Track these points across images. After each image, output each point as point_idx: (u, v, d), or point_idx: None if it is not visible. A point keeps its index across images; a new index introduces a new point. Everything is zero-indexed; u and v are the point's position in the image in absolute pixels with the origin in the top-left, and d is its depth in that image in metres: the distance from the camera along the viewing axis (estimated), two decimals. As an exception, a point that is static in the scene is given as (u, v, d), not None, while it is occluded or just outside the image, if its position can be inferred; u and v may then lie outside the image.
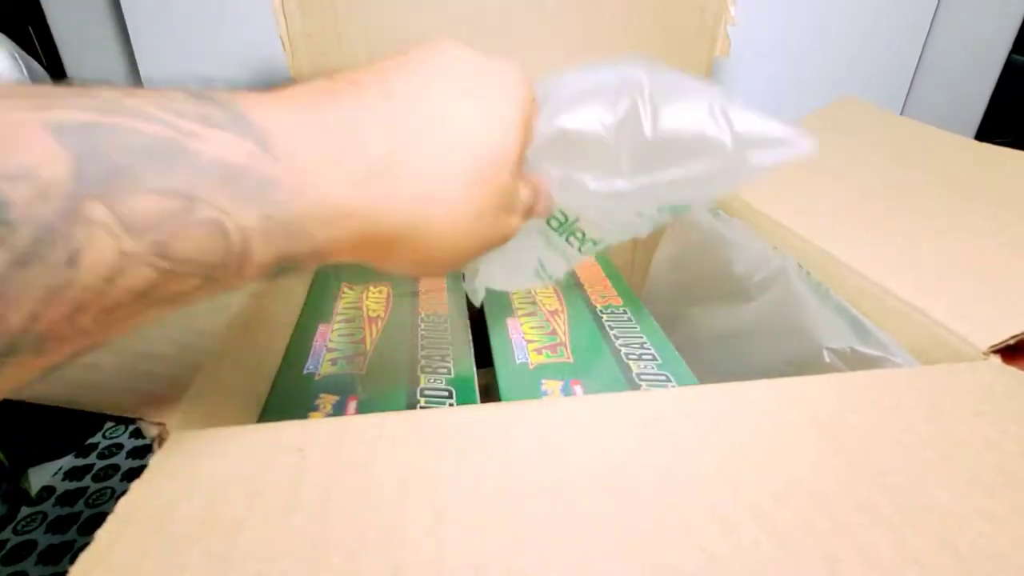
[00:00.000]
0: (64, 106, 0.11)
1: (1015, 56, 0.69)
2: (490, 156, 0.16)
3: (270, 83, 0.15)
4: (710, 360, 0.35)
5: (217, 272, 0.13)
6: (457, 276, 0.35)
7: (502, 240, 0.18)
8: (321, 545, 0.13)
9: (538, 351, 0.28)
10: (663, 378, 0.26)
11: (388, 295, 0.33)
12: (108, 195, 0.11)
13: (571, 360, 0.27)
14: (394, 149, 0.15)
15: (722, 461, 0.16)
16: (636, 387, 0.25)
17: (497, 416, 0.18)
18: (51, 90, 0.11)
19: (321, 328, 0.29)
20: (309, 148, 0.14)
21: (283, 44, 0.34)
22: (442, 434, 0.17)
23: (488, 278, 0.26)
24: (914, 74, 0.69)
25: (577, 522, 0.14)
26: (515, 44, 0.36)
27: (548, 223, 0.23)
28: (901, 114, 0.72)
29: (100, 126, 0.11)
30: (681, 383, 0.26)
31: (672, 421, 0.17)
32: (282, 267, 0.14)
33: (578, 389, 0.25)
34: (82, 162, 0.11)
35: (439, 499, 0.15)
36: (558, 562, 0.13)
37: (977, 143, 0.33)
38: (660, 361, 0.27)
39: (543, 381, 0.26)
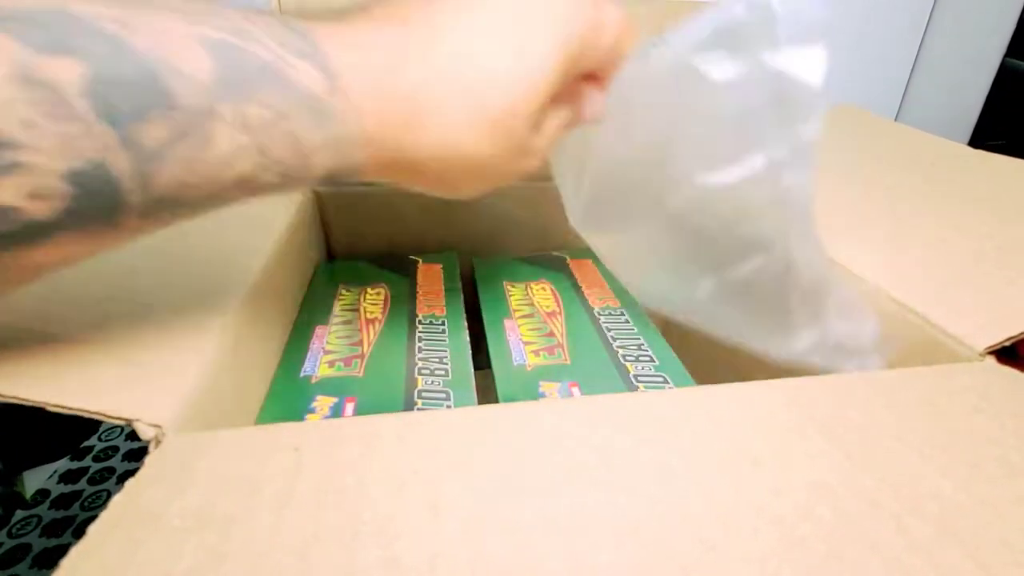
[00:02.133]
0: (208, 24, 0.14)
1: (1009, 60, 0.70)
2: (502, 105, 0.17)
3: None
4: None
5: (290, 173, 0.16)
6: (455, 277, 0.35)
7: (518, 177, 0.20)
8: (316, 539, 0.13)
9: (536, 353, 0.28)
10: (660, 379, 0.26)
11: (386, 297, 0.33)
12: (234, 100, 0.14)
13: (568, 362, 0.27)
14: (419, 86, 0.17)
15: (720, 457, 0.16)
16: (633, 388, 0.25)
17: (494, 416, 0.18)
18: (194, 7, 0.15)
19: (318, 330, 0.29)
20: (358, 85, 0.16)
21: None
22: (438, 433, 0.17)
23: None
24: (909, 78, 0.69)
25: (574, 516, 0.14)
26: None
27: None
28: (896, 118, 0.72)
29: (232, 45, 0.14)
30: (678, 384, 0.26)
31: (670, 420, 0.17)
32: (333, 178, 0.18)
33: (575, 391, 0.25)
34: (220, 71, 0.14)
35: (435, 495, 0.15)
36: (556, 555, 0.13)
37: (972, 150, 0.33)
38: (657, 363, 0.27)
39: (541, 383, 0.26)
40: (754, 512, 0.14)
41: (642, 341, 0.29)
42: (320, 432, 0.17)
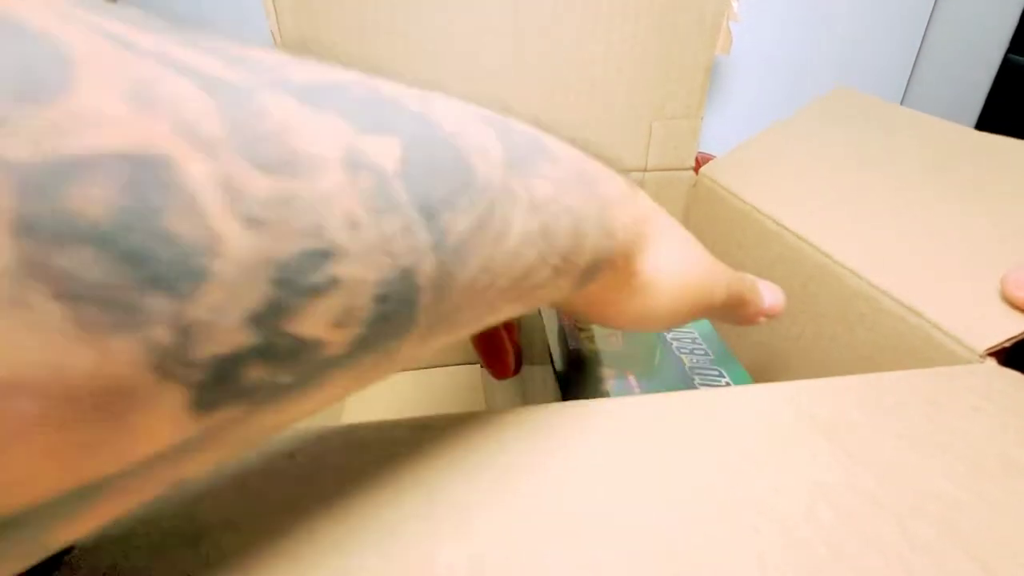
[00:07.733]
0: (474, 106, 0.13)
1: (1012, 56, 0.70)
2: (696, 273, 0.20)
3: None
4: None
5: (562, 266, 0.14)
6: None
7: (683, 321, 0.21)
8: (311, 541, 0.13)
9: (590, 339, 0.28)
10: (716, 373, 0.26)
11: None
12: (522, 176, 0.12)
13: (621, 348, 0.28)
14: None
15: (720, 457, 0.16)
16: (690, 380, 0.26)
17: (487, 421, 0.18)
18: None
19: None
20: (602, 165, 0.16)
21: (274, 44, 0.33)
22: (434, 440, 0.17)
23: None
24: (911, 74, 0.69)
25: (573, 515, 0.14)
26: (514, 39, 0.35)
27: None
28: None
29: (503, 121, 0.13)
30: (736, 381, 0.26)
31: (668, 422, 0.17)
32: (589, 275, 0.15)
33: (631, 379, 0.26)
34: (506, 148, 0.12)
35: (431, 499, 0.15)
36: (555, 551, 0.13)
37: (978, 132, 0.32)
38: (713, 357, 0.27)
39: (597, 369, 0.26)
40: (755, 512, 0.14)
41: (695, 335, 0.29)
42: (315, 438, 0.17)
